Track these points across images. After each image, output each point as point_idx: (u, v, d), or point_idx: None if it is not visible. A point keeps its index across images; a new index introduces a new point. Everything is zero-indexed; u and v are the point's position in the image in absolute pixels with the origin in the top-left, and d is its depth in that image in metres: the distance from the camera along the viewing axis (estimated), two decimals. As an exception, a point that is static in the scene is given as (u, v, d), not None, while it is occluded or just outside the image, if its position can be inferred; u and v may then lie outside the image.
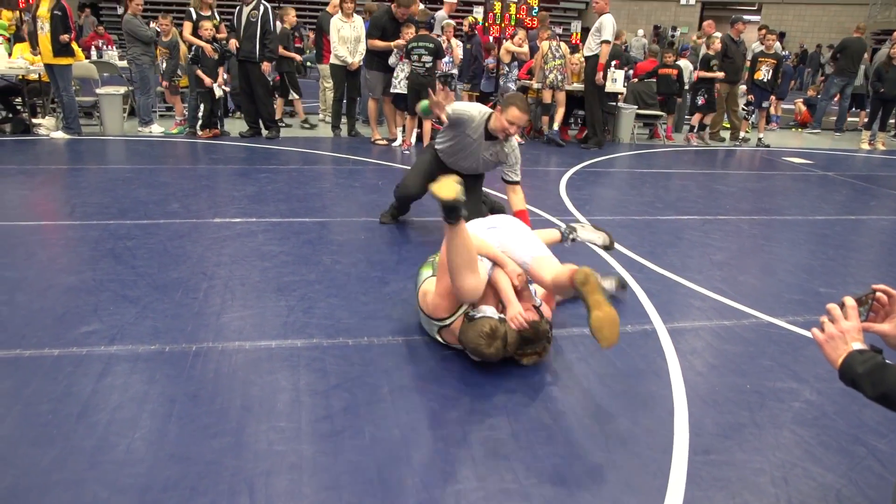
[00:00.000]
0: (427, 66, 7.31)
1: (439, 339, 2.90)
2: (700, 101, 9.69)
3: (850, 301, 1.65)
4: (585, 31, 9.20)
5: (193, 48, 7.68)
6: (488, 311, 2.73)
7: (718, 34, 9.92)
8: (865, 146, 10.32)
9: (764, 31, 9.89)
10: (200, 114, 7.95)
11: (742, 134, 10.03)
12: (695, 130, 9.81)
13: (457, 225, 2.56)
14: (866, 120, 10.65)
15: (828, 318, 1.66)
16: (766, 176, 7.71)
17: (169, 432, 2.24)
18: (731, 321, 3.43)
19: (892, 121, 11.37)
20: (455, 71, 9.13)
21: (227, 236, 4.33)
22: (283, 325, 3.10)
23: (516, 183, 4.24)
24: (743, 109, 10.26)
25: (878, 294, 1.73)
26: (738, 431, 2.43)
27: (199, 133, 7.96)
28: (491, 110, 4.15)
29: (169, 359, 2.73)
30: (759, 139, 9.91)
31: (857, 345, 1.60)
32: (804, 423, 2.50)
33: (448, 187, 2.51)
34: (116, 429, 2.24)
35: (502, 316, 2.74)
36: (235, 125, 8.70)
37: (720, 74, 9.49)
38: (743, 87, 10.24)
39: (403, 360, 2.83)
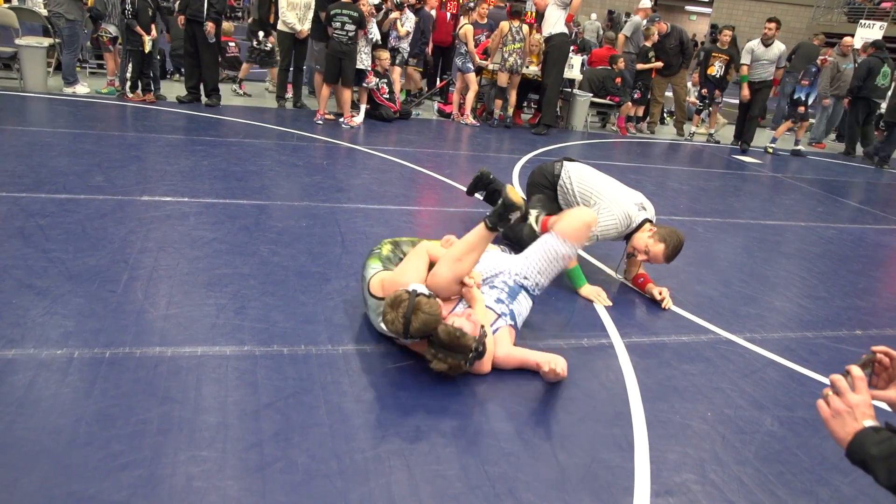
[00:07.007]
0: (350, 34, 7.03)
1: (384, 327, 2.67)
2: (636, 94, 9.68)
3: (856, 371, 1.47)
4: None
5: (129, 1, 7.05)
6: (418, 285, 2.60)
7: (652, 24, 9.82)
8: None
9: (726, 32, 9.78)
10: (129, 74, 7.37)
11: (692, 129, 9.99)
12: (634, 121, 9.83)
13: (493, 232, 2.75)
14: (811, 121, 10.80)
15: (832, 390, 1.49)
16: (717, 174, 7.69)
17: (72, 461, 1.94)
18: (688, 337, 3.30)
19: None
20: (405, 45, 8.75)
21: (154, 217, 3.95)
22: (211, 327, 2.79)
23: None
24: (698, 101, 10.22)
25: (879, 356, 1.57)
26: (701, 468, 2.29)
27: (129, 95, 7.39)
28: (647, 218, 3.61)
29: (78, 367, 2.40)
30: (710, 134, 9.92)
31: (869, 422, 1.42)
32: (767, 459, 2.38)
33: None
34: (7, 457, 1.92)
35: (417, 290, 2.54)
36: (173, 89, 8.16)
37: (658, 64, 9.58)
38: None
39: (343, 374, 2.58)
